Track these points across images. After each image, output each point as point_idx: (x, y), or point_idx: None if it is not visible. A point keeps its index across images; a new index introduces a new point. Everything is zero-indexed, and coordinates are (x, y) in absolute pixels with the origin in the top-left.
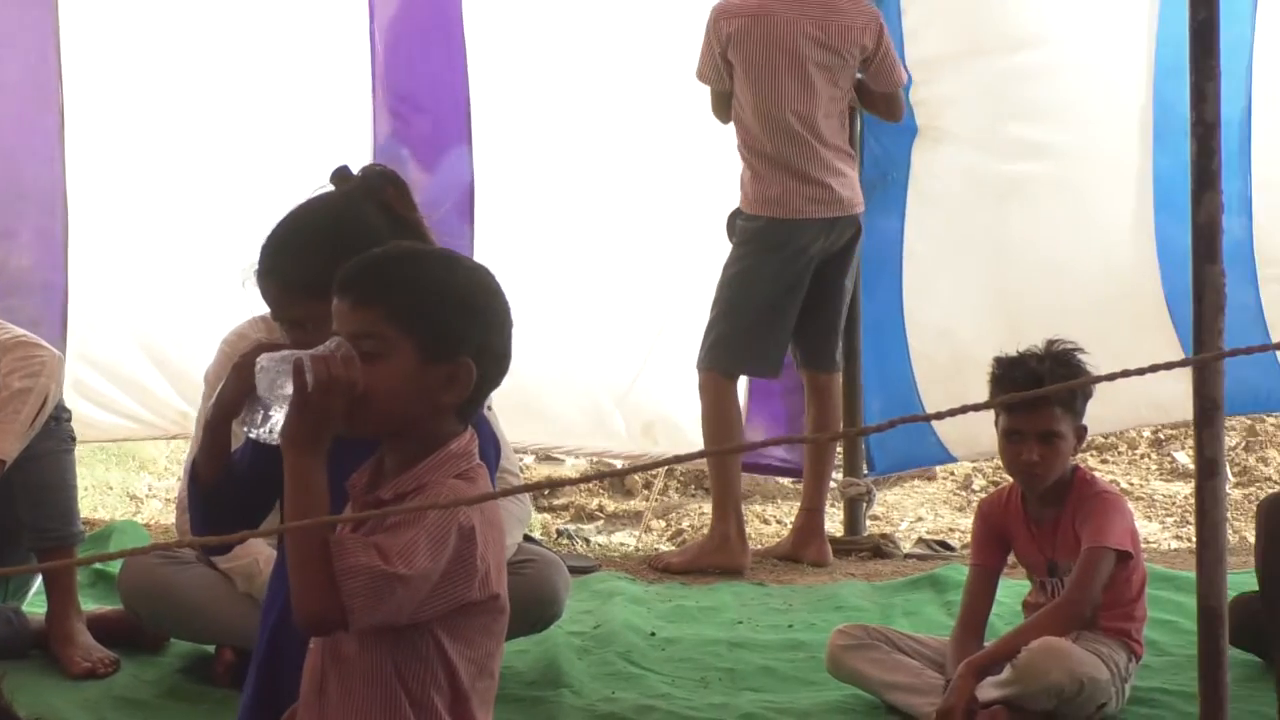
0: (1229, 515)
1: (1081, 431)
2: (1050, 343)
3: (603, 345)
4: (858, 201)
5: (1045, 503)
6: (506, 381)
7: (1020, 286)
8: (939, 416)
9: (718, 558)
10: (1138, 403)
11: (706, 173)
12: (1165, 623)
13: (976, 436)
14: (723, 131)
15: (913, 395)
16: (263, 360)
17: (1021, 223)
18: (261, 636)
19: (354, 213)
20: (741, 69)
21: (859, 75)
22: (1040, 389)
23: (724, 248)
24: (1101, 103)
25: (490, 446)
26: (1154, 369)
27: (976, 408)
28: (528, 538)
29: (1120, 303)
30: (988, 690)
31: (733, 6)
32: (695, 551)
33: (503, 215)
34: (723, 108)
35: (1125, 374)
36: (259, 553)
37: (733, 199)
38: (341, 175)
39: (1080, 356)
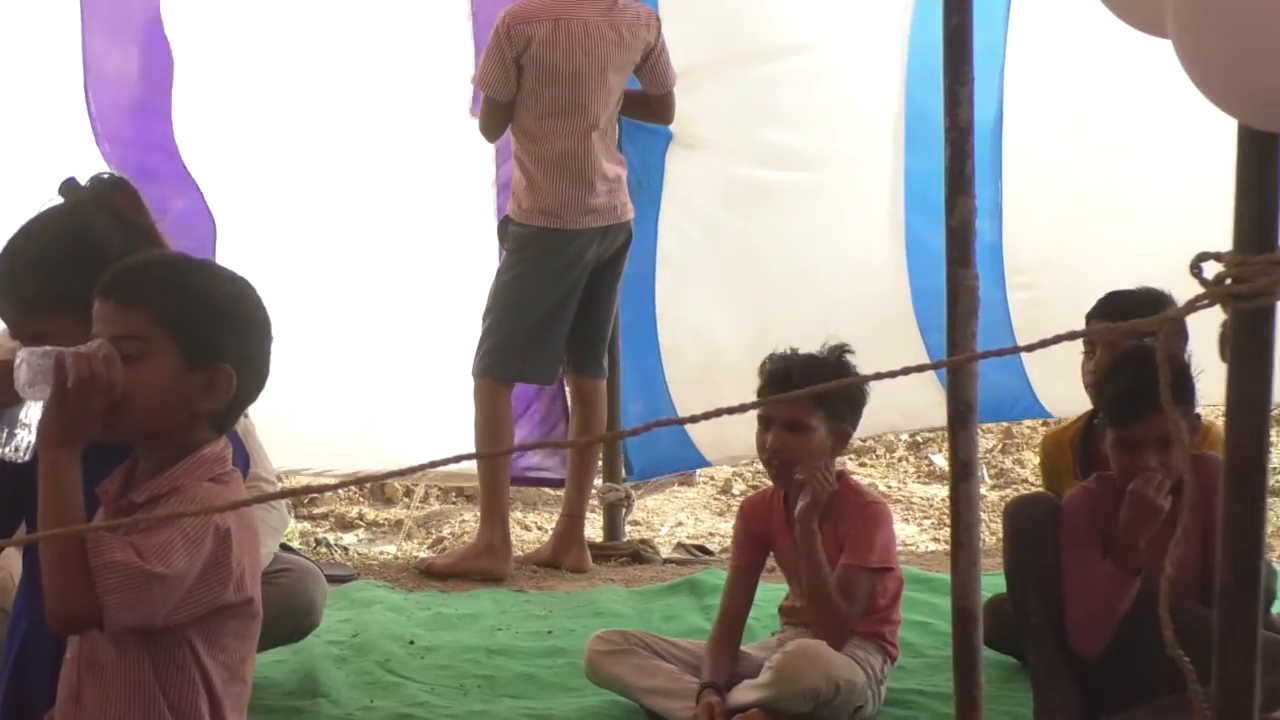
0: (985, 517)
1: (843, 434)
2: (826, 346)
3: (354, 362)
4: (630, 208)
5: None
6: (267, 400)
7: (773, 291)
8: (694, 420)
9: (481, 563)
10: (889, 407)
11: (445, 190)
12: (921, 625)
13: (729, 440)
14: (466, 149)
15: (666, 400)
16: (22, 354)
17: (775, 227)
18: (10, 649)
19: (85, 223)
20: (539, 75)
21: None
22: (807, 388)
23: (463, 263)
24: (855, 109)
25: (240, 459)
26: (907, 371)
27: (728, 411)
28: (285, 546)
29: (871, 307)
30: (744, 693)
31: (528, 11)
32: (459, 556)
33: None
34: (500, 120)
35: (879, 376)
36: (13, 565)
37: (473, 215)
38: (70, 186)
39: (849, 359)
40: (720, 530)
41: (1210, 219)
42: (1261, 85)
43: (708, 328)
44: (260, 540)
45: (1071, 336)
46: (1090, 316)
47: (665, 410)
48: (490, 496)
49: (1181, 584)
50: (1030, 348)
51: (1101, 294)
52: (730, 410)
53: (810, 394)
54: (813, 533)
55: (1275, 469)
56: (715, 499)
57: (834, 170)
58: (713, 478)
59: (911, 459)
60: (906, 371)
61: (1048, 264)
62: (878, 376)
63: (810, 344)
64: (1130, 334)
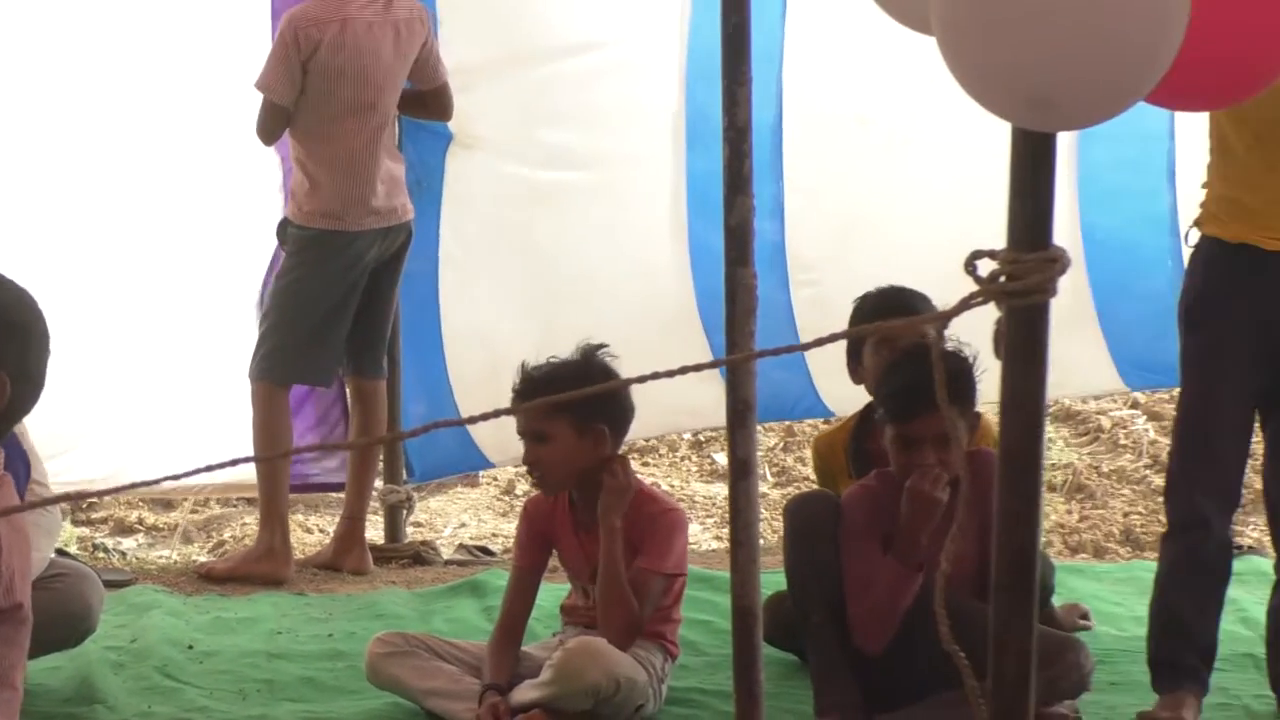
0: (767, 515)
1: (598, 434)
2: (581, 347)
3: (131, 367)
4: (410, 208)
5: (596, 510)
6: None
7: (557, 291)
8: (472, 420)
9: (261, 566)
10: (676, 408)
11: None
12: (703, 623)
13: (512, 441)
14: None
15: (450, 401)
16: None
17: (557, 228)
18: None
19: None
20: (330, 77)
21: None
22: (540, 400)
23: (242, 266)
24: (636, 109)
25: (20, 462)
26: (684, 370)
27: (504, 413)
28: (61, 551)
29: (655, 307)
30: (526, 692)
31: (313, 14)
32: (239, 560)
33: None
34: (280, 124)
35: (655, 376)
36: None
37: (256, 218)
38: None
39: (608, 359)
40: (504, 531)
41: (989, 217)
42: (1022, 85)
43: (491, 329)
44: (34, 545)
45: (846, 334)
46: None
47: (449, 411)
48: (269, 500)
49: (959, 579)
50: (806, 346)
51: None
52: (486, 416)
53: (543, 405)
54: (614, 530)
55: (1054, 464)
56: (498, 500)
57: (616, 171)
58: (496, 478)
59: (694, 458)
60: (684, 371)
61: (830, 262)
62: (643, 379)
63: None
64: (908, 332)
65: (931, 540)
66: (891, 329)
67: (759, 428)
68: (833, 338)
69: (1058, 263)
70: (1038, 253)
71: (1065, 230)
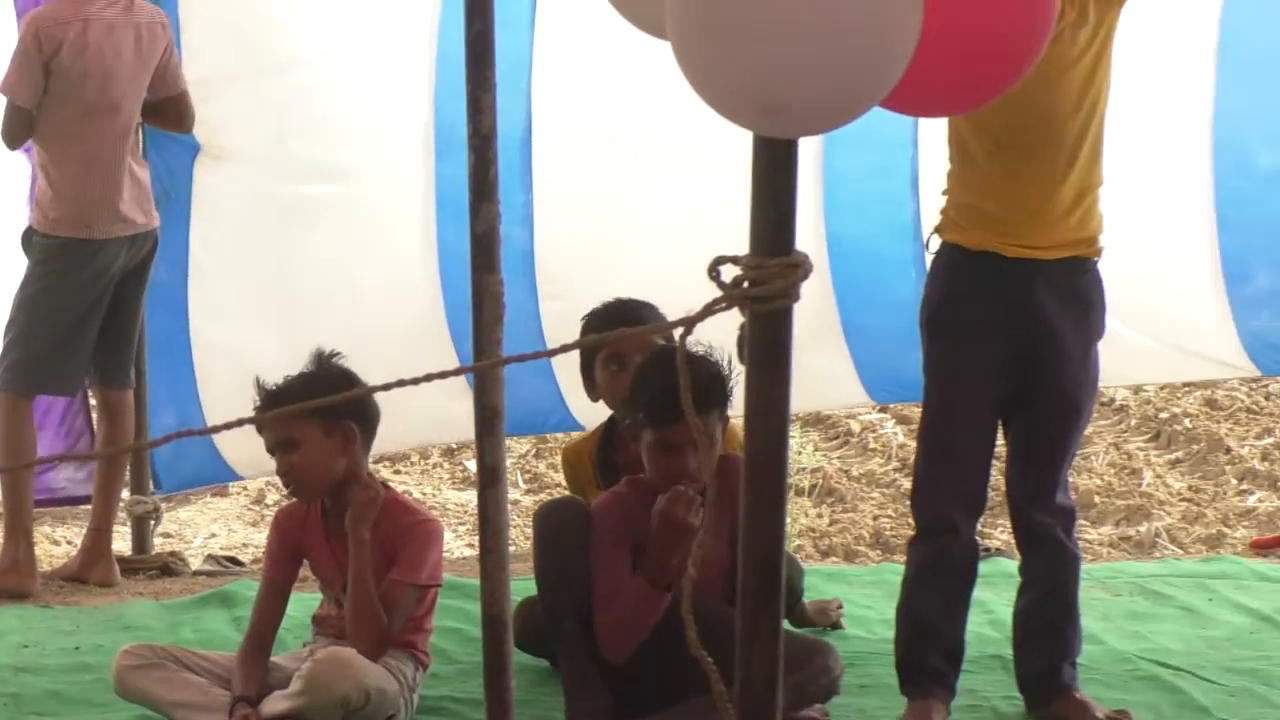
0: (519, 522)
1: (348, 432)
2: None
3: None
4: (156, 216)
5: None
6: None
7: (307, 303)
8: (216, 430)
9: (6, 580)
10: (426, 420)
11: None
12: (454, 631)
13: (261, 455)
14: None
15: (199, 412)
16: None
17: (307, 240)
18: None
19: None
20: (73, 78)
21: None
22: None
23: None
24: (385, 119)
25: None
26: (430, 378)
27: (248, 421)
28: None
29: (405, 318)
30: (275, 703)
31: (56, 15)
32: None
33: None
34: (25, 128)
35: (402, 383)
36: None
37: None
38: None
39: (343, 367)
40: (254, 541)
41: (736, 226)
42: (755, 91)
43: (241, 340)
44: None
45: (591, 342)
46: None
47: (197, 423)
48: (13, 512)
49: (711, 584)
50: (553, 352)
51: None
52: (230, 425)
53: (291, 412)
54: (362, 542)
55: (804, 469)
56: (249, 509)
57: (365, 181)
58: (246, 488)
59: (446, 465)
60: (430, 378)
61: (579, 274)
62: (387, 386)
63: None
64: (637, 342)
65: (684, 557)
66: (637, 335)
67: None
68: (577, 344)
69: (800, 268)
70: (780, 258)
71: (810, 238)
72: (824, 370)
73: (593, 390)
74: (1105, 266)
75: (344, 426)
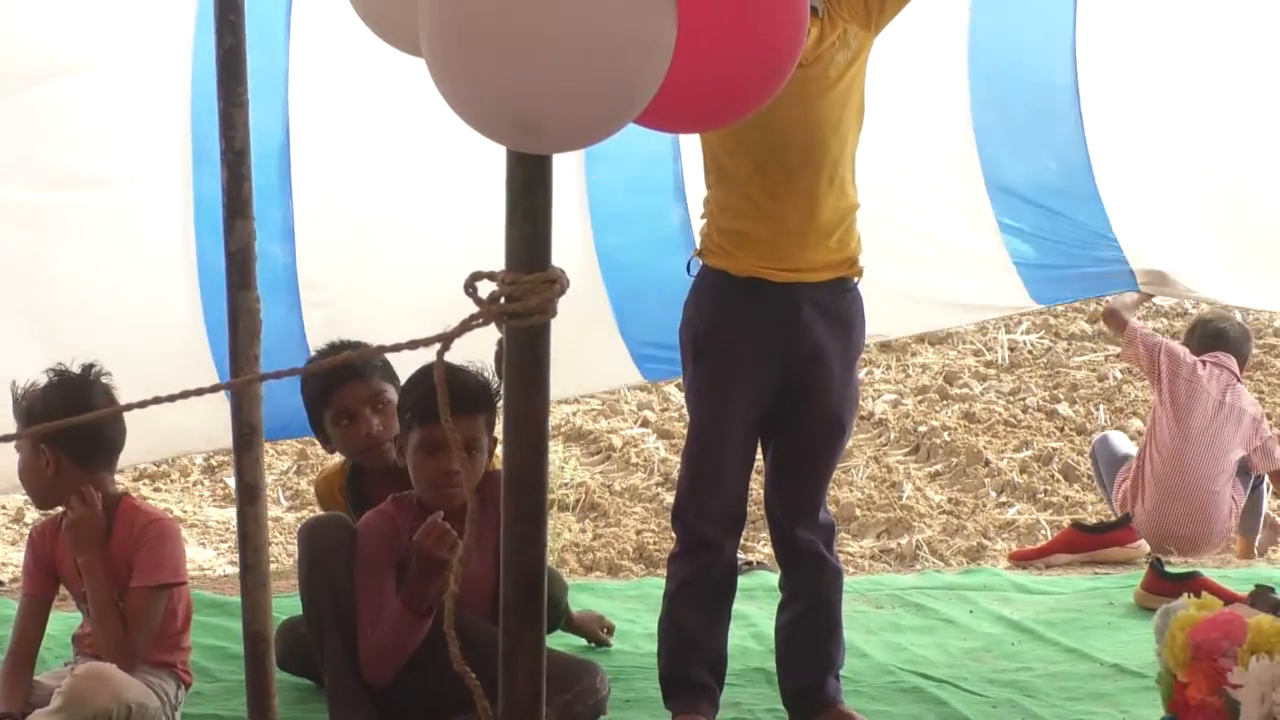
0: (282, 539)
1: (53, 458)
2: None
3: None
4: None
5: None
6: None
7: (62, 316)
8: None
9: None
10: (187, 431)
11: None
12: (216, 649)
13: (6, 470)
14: None
15: None
16: None
17: (62, 252)
18: None
19: None
20: None
21: None
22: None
23: None
24: (141, 131)
25: None
26: (185, 395)
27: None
28: None
29: (162, 332)
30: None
31: None
32: None
33: None
34: None
35: (157, 400)
36: None
37: None
38: None
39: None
40: (13, 559)
41: (498, 241)
42: (507, 108)
43: None
44: None
45: (336, 362)
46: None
47: None
48: None
49: (477, 601)
50: (308, 370)
51: (395, 313)
52: None
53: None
54: (89, 565)
55: (567, 484)
56: (8, 527)
57: (122, 193)
58: (5, 505)
59: (207, 482)
60: (185, 395)
61: (342, 284)
62: (129, 407)
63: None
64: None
65: (441, 584)
66: (389, 352)
67: (272, 450)
68: (328, 364)
69: (556, 284)
70: (536, 274)
71: (579, 252)
72: (591, 359)
73: (327, 444)
74: (880, 290)
75: (51, 452)
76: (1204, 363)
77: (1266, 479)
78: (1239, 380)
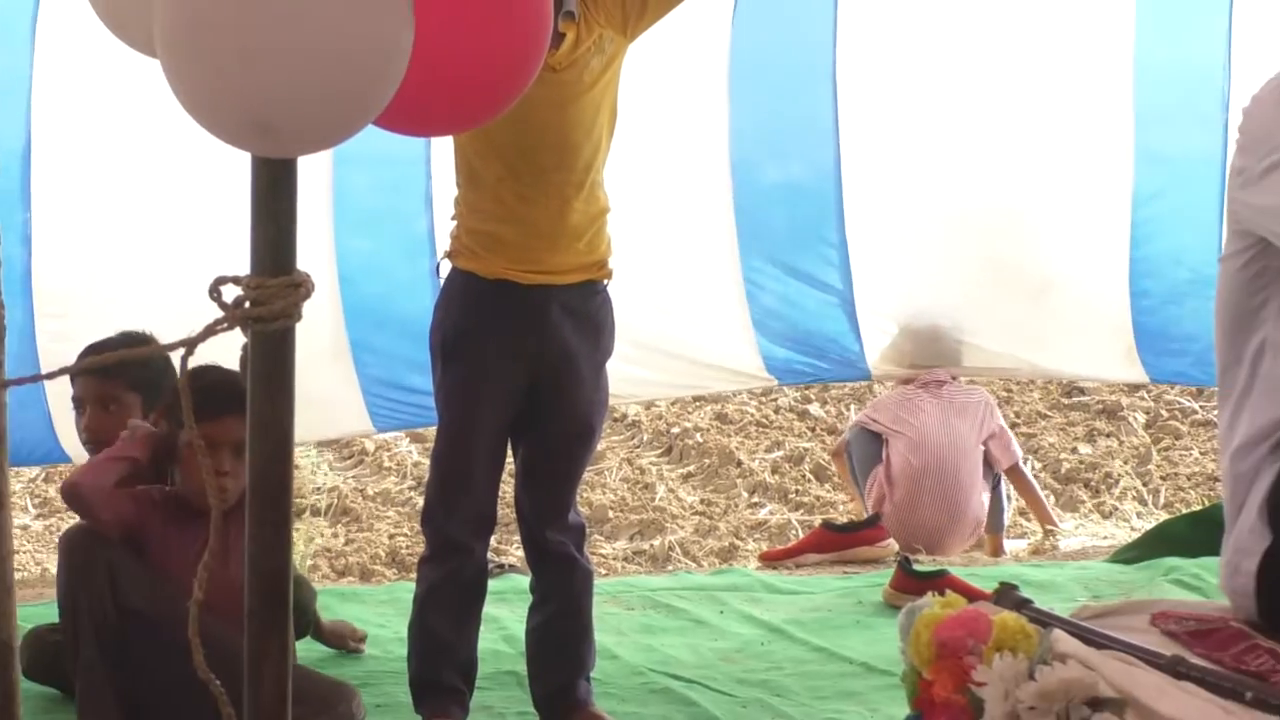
0: (29, 547)
1: None
2: None
3: None
4: None
5: None
6: None
7: None
8: None
9: None
10: None
11: None
12: None
13: None
14: None
15: None
16: None
17: None
18: None
19: None
20: None
21: None
22: None
23: None
24: None
25: None
26: None
27: None
28: None
29: None
30: None
31: None
32: None
33: None
34: None
35: None
36: None
37: None
38: None
39: None
40: None
41: (242, 245)
42: (243, 111)
43: None
44: None
45: (60, 373)
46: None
47: None
48: None
49: (230, 608)
50: (51, 375)
51: (132, 320)
52: None
53: None
54: None
55: (319, 489)
56: None
57: None
58: None
59: None
60: None
61: (79, 294)
62: None
63: None
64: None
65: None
66: (134, 355)
67: None
68: (50, 375)
69: (301, 287)
70: (281, 278)
71: (324, 256)
72: (329, 398)
73: None
74: (630, 288)
75: None
76: (909, 392)
77: (1003, 479)
78: (954, 378)
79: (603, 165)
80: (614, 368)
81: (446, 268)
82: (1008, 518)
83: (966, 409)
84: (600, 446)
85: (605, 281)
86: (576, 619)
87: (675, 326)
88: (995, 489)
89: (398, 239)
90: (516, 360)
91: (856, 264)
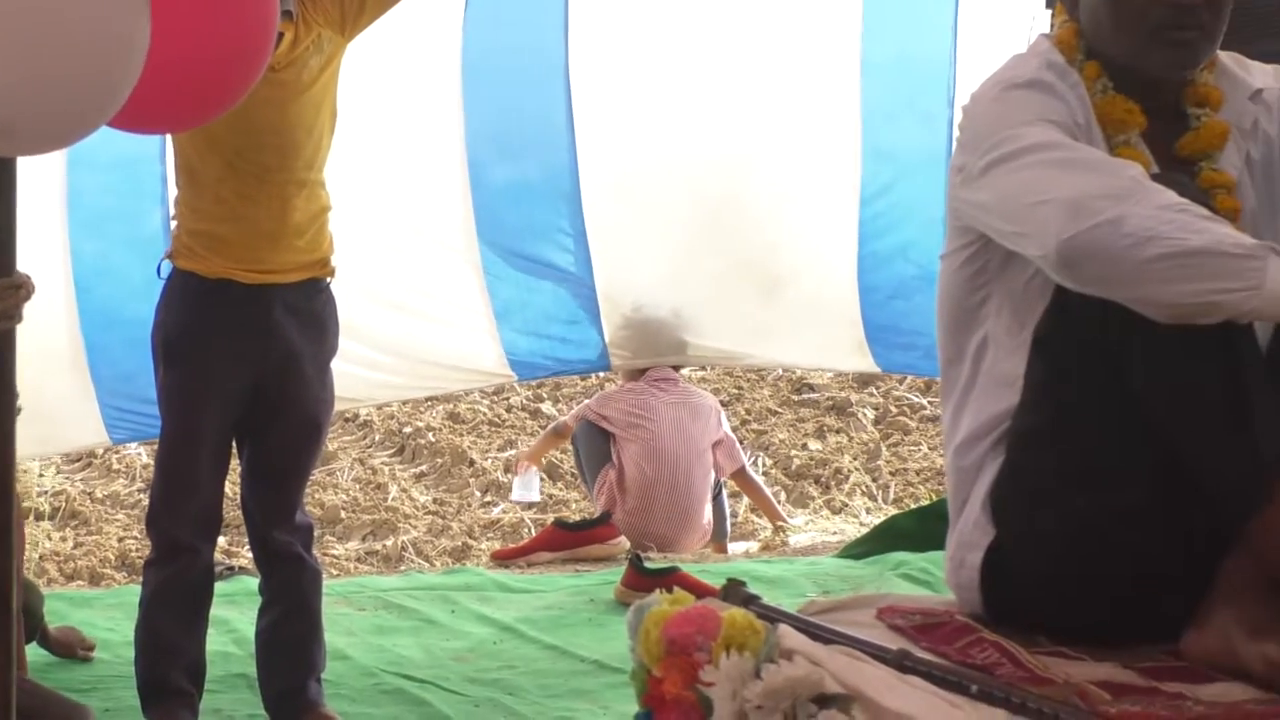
0: None
1: None
2: None
3: None
4: None
5: None
6: None
7: None
8: None
9: None
10: None
11: None
12: None
13: None
14: None
15: None
16: None
17: None
18: None
19: None
20: None
21: None
22: None
23: None
24: None
25: None
26: None
27: None
28: None
29: None
30: None
31: None
32: None
33: None
34: None
35: None
36: None
37: None
38: None
39: None
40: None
41: None
42: None
43: None
44: None
45: None
46: None
47: None
48: None
49: None
50: None
51: None
52: None
53: None
54: None
55: (45, 492)
56: None
57: None
58: None
59: None
60: None
61: None
62: None
63: None
64: None
65: None
66: None
67: None
68: None
69: (22, 289)
70: (2, 279)
71: (58, 260)
72: (64, 410)
73: None
74: (369, 291)
75: None
76: (640, 388)
77: (724, 487)
78: (678, 369)
79: (324, 164)
80: (355, 372)
81: (168, 268)
82: (730, 526)
83: (698, 412)
84: (332, 447)
85: (328, 279)
86: (306, 619)
87: (416, 327)
88: (716, 499)
89: (129, 240)
90: (240, 360)
91: (596, 254)
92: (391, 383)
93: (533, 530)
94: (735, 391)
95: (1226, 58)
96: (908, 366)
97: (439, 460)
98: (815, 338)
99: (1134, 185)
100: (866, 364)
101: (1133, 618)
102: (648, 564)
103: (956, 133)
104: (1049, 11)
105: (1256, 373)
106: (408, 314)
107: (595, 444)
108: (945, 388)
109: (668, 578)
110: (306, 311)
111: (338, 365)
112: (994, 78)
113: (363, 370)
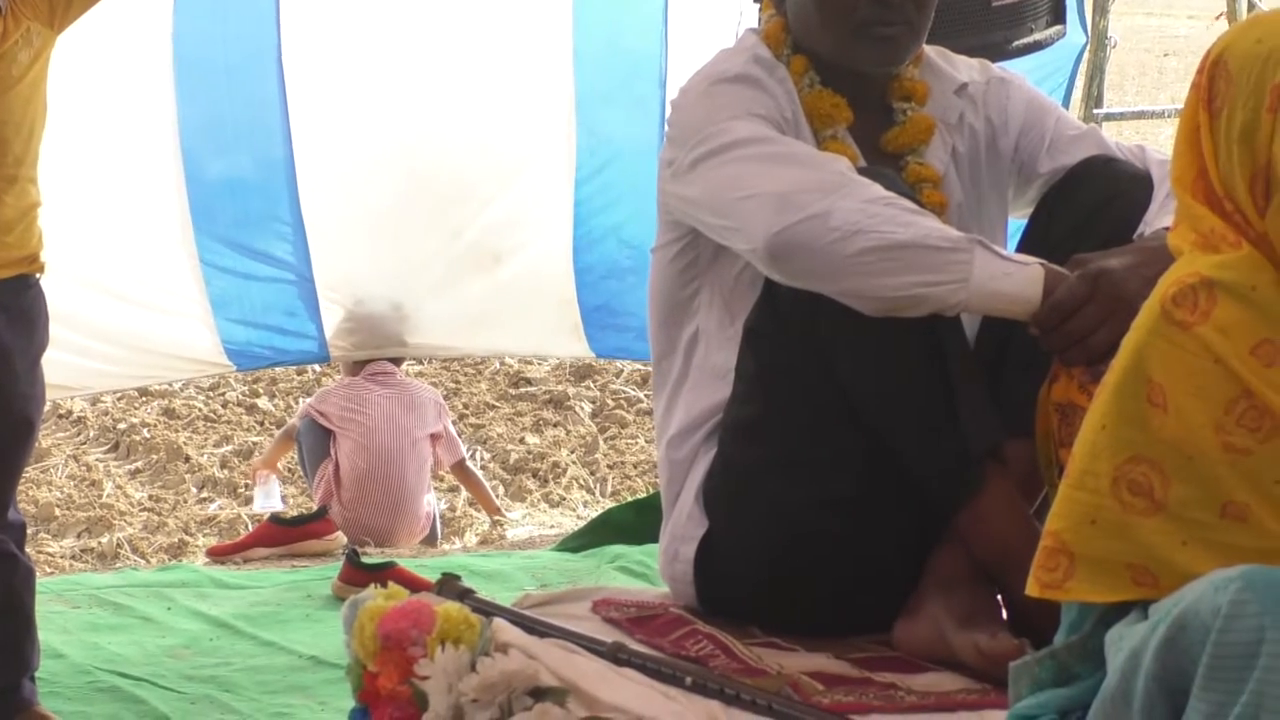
0: None
1: None
2: None
3: None
4: None
5: None
6: None
7: None
8: None
9: None
10: None
11: None
12: None
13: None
14: None
15: None
16: None
17: None
18: None
19: None
20: None
21: None
22: None
23: None
24: None
25: None
26: None
27: None
28: None
29: None
30: None
31: None
32: None
33: None
34: None
35: None
36: None
37: None
38: None
39: None
40: None
41: None
42: None
43: None
44: None
45: None
46: None
47: None
48: None
49: None
50: None
51: None
52: None
53: None
54: None
55: None
56: None
57: None
58: None
59: None
60: None
61: None
62: None
63: None
64: None
65: None
66: None
67: None
68: None
69: None
70: None
71: None
72: None
73: None
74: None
75: None
76: (358, 383)
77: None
78: (399, 363)
79: (35, 159)
80: (69, 360)
81: None
82: (441, 528)
83: (415, 405)
84: (45, 443)
85: (38, 275)
86: (18, 618)
87: (132, 315)
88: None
89: None
90: None
91: (314, 245)
92: (107, 371)
93: (250, 526)
94: (453, 385)
95: (932, 52)
96: (620, 350)
97: (154, 456)
98: (534, 322)
99: (841, 179)
100: (582, 348)
101: (844, 608)
102: (364, 559)
103: (666, 127)
104: (756, 6)
105: (963, 364)
106: (124, 301)
107: (315, 440)
108: (658, 381)
109: (384, 572)
110: (15, 308)
111: (51, 353)
112: (702, 72)
113: (76, 358)
